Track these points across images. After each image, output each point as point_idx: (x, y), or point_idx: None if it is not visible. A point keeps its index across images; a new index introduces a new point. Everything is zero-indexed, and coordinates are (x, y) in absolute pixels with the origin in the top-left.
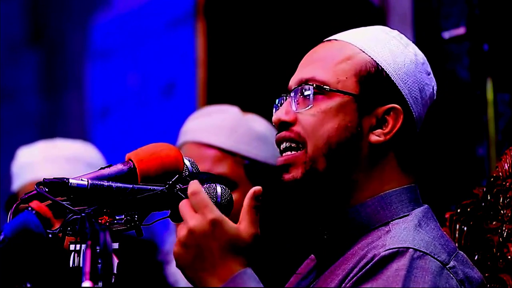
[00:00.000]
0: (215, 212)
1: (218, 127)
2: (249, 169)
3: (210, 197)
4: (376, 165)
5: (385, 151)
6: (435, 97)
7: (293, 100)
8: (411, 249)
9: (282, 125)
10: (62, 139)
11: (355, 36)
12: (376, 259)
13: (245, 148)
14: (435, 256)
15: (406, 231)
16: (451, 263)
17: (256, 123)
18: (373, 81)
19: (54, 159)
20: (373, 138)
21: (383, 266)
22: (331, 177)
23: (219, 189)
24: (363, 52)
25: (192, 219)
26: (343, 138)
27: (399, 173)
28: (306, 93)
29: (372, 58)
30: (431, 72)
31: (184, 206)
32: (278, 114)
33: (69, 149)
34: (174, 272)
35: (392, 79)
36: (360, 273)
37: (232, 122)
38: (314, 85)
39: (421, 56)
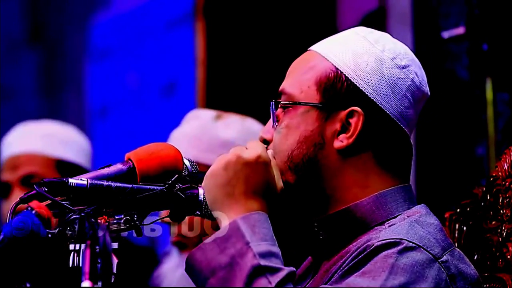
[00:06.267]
0: (264, 154)
1: (184, 136)
2: None
3: None
4: (350, 169)
5: (355, 154)
6: (420, 89)
7: (272, 118)
8: (404, 241)
9: (264, 143)
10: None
11: (324, 44)
12: (368, 249)
13: (209, 157)
14: (428, 249)
15: (400, 226)
16: (444, 258)
17: (225, 129)
18: (332, 86)
19: (27, 135)
20: (337, 143)
21: (374, 254)
22: (303, 188)
23: None
24: (326, 59)
25: (263, 151)
26: (304, 149)
27: (383, 173)
28: (273, 109)
29: (332, 64)
30: (410, 65)
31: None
32: (260, 133)
33: (45, 127)
34: (158, 275)
35: (353, 81)
36: (352, 262)
37: (198, 130)
38: (277, 101)
39: (392, 51)
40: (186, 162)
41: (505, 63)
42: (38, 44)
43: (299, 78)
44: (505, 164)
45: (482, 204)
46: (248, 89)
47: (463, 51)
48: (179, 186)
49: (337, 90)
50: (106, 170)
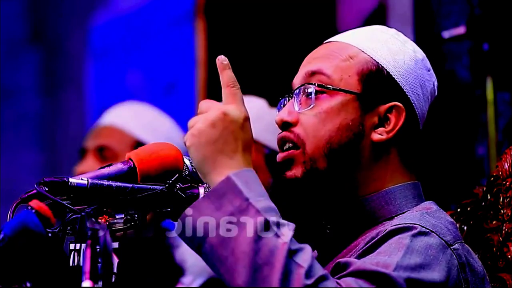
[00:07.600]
0: (246, 111)
1: None
2: (269, 158)
3: None
4: (379, 163)
5: (387, 149)
6: (436, 93)
7: (295, 100)
8: (417, 225)
9: (284, 126)
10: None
11: (353, 37)
12: (381, 234)
13: (268, 138)
14: (440, 236)
15: (412, 215)
16: (456, 245)
17: None
18: (374, 79)
19: (122, 111)
20: (376, 136)
21: (388, 237)
22: (332, 176)
23: None
24: (363, 52)
25: (228, 104)
26: (344, 138)
27: (402, 170)
28: (308, 92)
29: (372, 58)
30: (431, 68)
31: (226, 86)
32: (281, 115)
33: (142, 109)
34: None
35: (393, 76)
36: (366, 246)
37: (257, 112)
38: (316, 84)
39: (419, 52)
40: (187, 162)
41: (506, 63)
42: (38, 44)
43: (339, 64)
44: (506, 164)
45: (483, 203)
46: (248, 89)
47: (464, 51)
48: (179, 185)
49: (379, 84)
50: (106, 170)
